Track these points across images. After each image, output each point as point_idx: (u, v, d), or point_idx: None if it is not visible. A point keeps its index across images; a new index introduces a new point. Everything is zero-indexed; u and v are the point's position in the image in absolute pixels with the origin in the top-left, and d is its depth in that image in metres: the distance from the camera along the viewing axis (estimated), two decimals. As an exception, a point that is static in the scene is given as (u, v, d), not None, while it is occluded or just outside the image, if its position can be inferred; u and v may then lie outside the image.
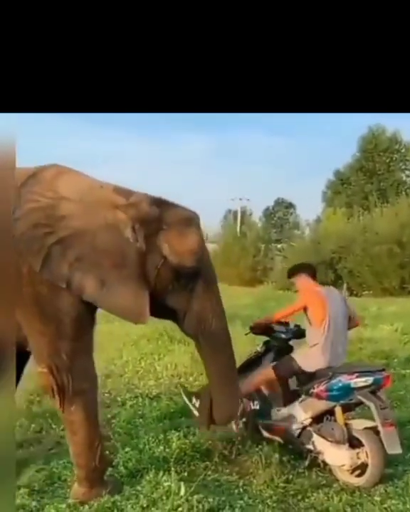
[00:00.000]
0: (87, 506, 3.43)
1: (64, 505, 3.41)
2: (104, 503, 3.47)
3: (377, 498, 3.69)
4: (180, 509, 3.35)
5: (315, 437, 4.20)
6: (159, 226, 3.45)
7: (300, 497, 3.80)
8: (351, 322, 4.61)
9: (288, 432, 4.38)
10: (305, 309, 4.44)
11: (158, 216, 3.46)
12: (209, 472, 4.11)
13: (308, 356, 4.38)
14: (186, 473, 4.00)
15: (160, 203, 3.53)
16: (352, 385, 4.06)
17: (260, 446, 4.44)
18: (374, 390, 4.07)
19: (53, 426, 4.87)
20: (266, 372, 4.59)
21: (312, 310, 4.37)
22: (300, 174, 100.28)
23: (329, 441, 4.07)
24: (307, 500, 3.76)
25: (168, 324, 10.17)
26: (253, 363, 4.93)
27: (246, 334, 5.06)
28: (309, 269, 4.72)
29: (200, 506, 3.41)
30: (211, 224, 34.99)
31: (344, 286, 25.44)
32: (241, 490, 3.86)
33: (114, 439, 4.59)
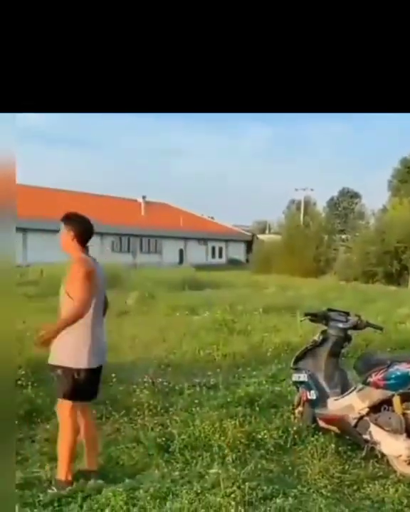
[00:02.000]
0: (142, 490, 3.52)
1: (121, 489, 3.51)
2: (160, 488, 3.56)
3: (435, 491, 3.61)
4: (233, 496, 3.38)
5: (372, 427, 4.15)
6: None
7: (355, 487, 3.77)
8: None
9: (345, 422, 4.35)
10: None
11: None
12: (264, 461, 4.13)
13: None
14: (240, 461, 4.03)
15: None
16: None
17: (315, 436, 4.44)
18: None
19: (113, 413, 4.99)
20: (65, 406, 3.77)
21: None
22: (366, 163, 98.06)
23: (386, 430, 4.02)
24: (362, 490, 3.72)
25: (228, 315, 10.31)
26: (309, 352, 4.95)
27: (301, 321, 5.02)
28: None
29: (253, 493, 3.44)
30: (274, 214, 34.72)
31: (410, 276, 24.84)
32: (295, 479, 3.86)
33: (172, 426, 4.66)
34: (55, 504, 3.45)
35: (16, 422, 4.53)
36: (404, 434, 3.95)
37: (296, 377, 5.00)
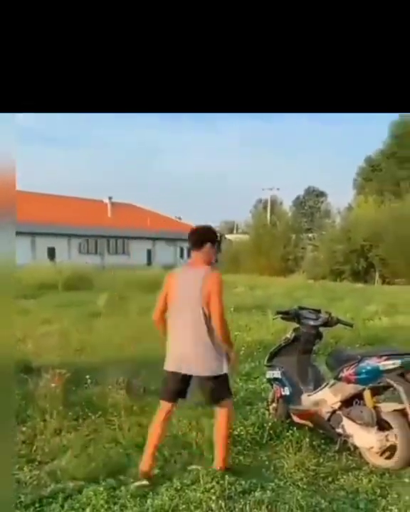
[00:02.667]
0: (123, 488, 3.57)
1: (102, 488, 3.56)
2: (139, 485, 3.61)
3: (407, 480, 3.74)
4: (212, 491, 3.46)
5: (345, 421, 4.28)
6: None
7: (330, 479, 3.88)
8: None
9: (318, 417, 4.48)
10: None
11: None
12: (241, 456, 4.21)
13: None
14: (218, 458, 4.10)
15: None
16: (381, 368, 4.10)
17: (290, 431, 4.54)
18: (402, 372, 4.10)
19: (89, 414, 5.02)
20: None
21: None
22: (331, 162, 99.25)
23: (358, 424, 4.15)
24: (336, 482, 3.84)
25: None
26: (282, 350, 5.06)
27: (274, 319, 5.12)
28: None
29: (232, 488, 3.53)
30: (241, 214, 34.92)
31: (377, 274, 25.30)
32: (272, 473, 3.96)
33: (149, 425, 4.69)
34: (36, 505, 3.47)
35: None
36: (375, 427, 4.08)
37: (270, 374, 5.11)
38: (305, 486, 3.72)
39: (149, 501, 3.42)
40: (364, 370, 4.18)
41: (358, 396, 4.26)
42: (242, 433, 4.53)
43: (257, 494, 3.44)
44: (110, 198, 49.17)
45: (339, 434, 4.33)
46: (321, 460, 4.14)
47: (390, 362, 4.10)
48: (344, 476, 3.88)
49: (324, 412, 4.44)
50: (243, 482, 3.62)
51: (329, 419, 4.42)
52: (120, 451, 4.27)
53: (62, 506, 3.44)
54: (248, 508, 3.26)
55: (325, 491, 3.70)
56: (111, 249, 45.08)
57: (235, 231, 60.74)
